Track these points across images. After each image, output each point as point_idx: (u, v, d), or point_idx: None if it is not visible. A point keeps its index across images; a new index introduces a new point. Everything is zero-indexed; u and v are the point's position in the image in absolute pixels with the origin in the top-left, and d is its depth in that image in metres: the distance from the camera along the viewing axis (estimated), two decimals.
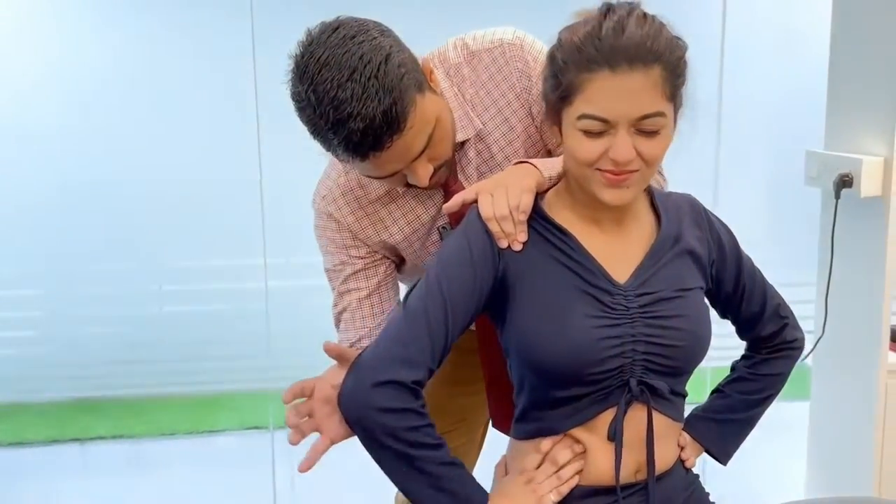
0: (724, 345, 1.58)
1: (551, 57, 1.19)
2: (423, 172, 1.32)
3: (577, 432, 1.23)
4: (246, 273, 2.90)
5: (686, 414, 1.39)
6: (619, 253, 1.25)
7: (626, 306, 1.21)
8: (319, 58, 1.24)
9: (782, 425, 2.85)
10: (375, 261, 1.52)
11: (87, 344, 3.21)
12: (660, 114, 1.14)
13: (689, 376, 1.30)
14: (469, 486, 1.23)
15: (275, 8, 2.71)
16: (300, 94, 1.26)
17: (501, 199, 1.23)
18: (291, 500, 2.85)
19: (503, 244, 1.23)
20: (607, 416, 1.22)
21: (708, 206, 1.39)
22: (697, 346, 1.25)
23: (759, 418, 1.47)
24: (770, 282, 1.43)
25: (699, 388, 1.69)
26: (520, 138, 1.47)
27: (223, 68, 2.79)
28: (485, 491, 1.25)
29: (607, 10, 1.16)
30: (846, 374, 2.34)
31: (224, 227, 2.88)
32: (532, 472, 1.25)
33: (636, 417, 1.22)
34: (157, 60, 2.79)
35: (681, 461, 1.35)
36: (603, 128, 1.14)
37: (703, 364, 1.29)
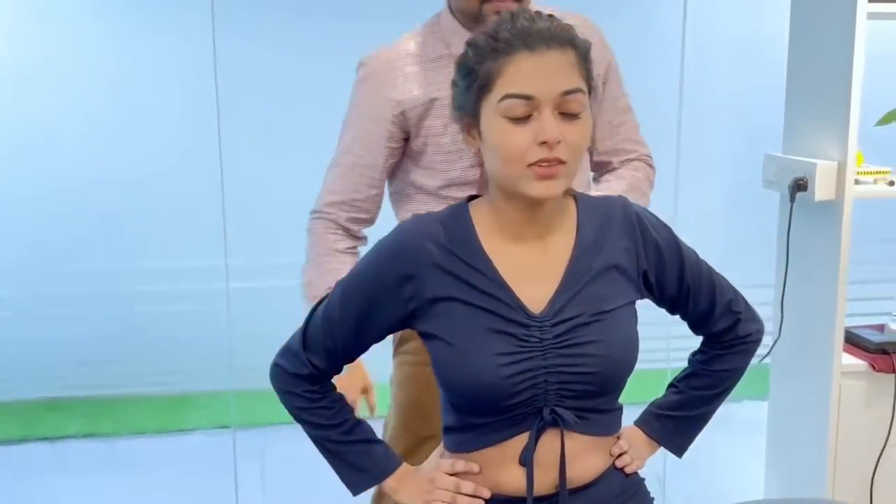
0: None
1: (462, 60, 1.20)
2: None
3: (491, 451, 1.27)
4: (210, 274, 2.91)
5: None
6: (540, 275, 1.25)
7: (539, 338, 1.22)
8: None
9: (746, 425, 2.89)
10: (387, 145, 1.69)
11: (58, 344, 3.21)
12: (580, 90, 1.17)
13: (619, 393, 1.31)
14: (368, 458, 1.34)
15: (235, 8, 2.72)
16: None
17: None
18: (258, 499, 2.86)
19: None
20: (522, 439, 1.25)
21: (668, 210, 1.40)
22: (614, 370, 1.25)
23: (714, 412, 1.47)
24: (729, 281, 1.42)
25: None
26: None
27: (183, 68, 2.80)
28: (392, 460, 1.35)
29: (518, 9, 1.21)
30: (802, 376, 2.36)
31: (187, 227, 2.89)
32: (439, 476, 1.30)
33: (551, 440, 1.25)
34: (121, 63, 2.80)
35: (616, 468, 1.35)
36: (527, 109, 1.14)
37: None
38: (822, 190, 2.16)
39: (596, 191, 1.76)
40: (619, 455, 1.36)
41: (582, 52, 1.19)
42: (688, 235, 1.97)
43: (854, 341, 2.34)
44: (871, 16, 2.09)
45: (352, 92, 1.74)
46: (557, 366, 1.22)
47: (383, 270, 1.25)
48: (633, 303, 1.32)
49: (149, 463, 3.17)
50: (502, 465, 1.27)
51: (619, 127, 1.80)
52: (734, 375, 1.44)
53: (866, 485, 2.27)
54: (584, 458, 1.29)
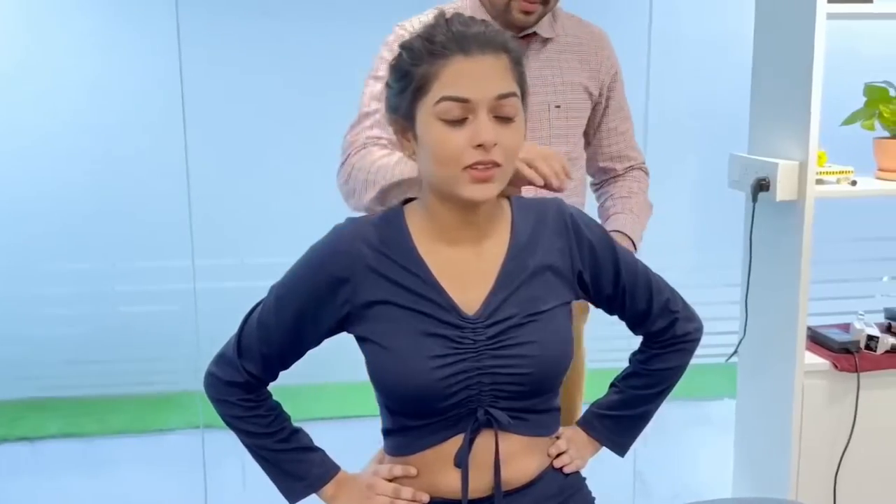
0: None
1: (397, 63, 1.21)
2: None
3: (429, 454, 1.28)
4: (178, 274, 2.93)
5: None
6: (475, 277, 1.26)
7: (473, 340, 1.23)
8: None
9: (717, 423, 2.90)
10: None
11: (37, 344, 3.23)
12: (514, 94, 1.19)
13: (555, 393, 1.32)
14: (305, 466, 1.34)
15: (199, 7, 2.73)
16: None
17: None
18: (231, 499, 2.87)
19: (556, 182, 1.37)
20: (458, 441, 1.26)
21: None
22: (548, 370, 1.26)
23: (655, 410, 1.49)
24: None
25: None
26: None
27: (149, 70, 2.81)
28: (330, 468, 1.36)
29: (445, 12, 1.22)
30: (767, 375, 2.37)
31: (154, 228, 2.91)
32: (378, 482, 1.31)
33: (487, 441, 1.26)
34: (89, 65, 2.81)
35: (555, 469, 1.36)
36: (463, 112, 1.16)
37: None
38: (783, 190, 2.16)
39: (616, 222, 1.85)
40: (558, 455, 1.37)
41: (514, 57, 1.21)
42: (658, 236, 2.00)
43: (819, 341, 2.35)
44: (831, 16, 2.09)
45: (381, 50, 1.75)
46: (491, 367, 1.23)
47: (318, 274, 1.25)
48: (569, 303, 1.33)
49: (129, 463, 3.18)
50: (439, 467, 1.28)
51: (624, 133, 1.91)
52: (673, 374, 1.45)
53: (829, 483, 2.27)
54: (521, 458, 1.30)
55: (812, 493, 2.27)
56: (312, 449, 1.37)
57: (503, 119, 1.18)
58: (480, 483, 1.27)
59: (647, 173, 1.96)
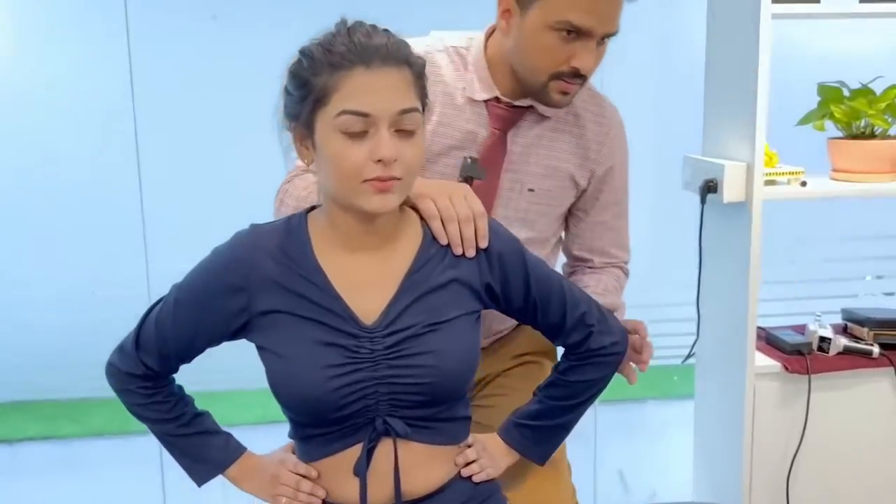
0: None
1: (293, 68, 1.19)
2: (591, 56, 1.48)
3: (329, 462, 1.28)
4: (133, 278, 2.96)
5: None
6: (376, 286, 1.25)
7: (370, 349, 1.22)
8: None
9: (681, 425, 2.89)
10: None
11: (16, 347, 3.27)
12: (416, 109, 1.18)
13: (461, 402, 1.32)
14: (208, 449, 1.37)
15: (149, 7, 2.75)
16: None
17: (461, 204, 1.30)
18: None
19: (458, 251, 1.29)
20: (358, 451, 1.26)
21: None
22: (446, 381, 1.25)
23: (575, 422, 1.47)
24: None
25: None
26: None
27: (97, 69, 2.82)
28: (233, 450, 1.38)
29: (348, 21, 1.20)
30: (720, 376, 2.37)
31: (107, 233, 2.94)
32: (283, 472, 1.33)
33: (387, 450, 1.25)
34: (37, 74, 2.82)
35: (464, 477, 1.35)
36: (364, 126, 1.15)
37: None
38: (730, 191, 2.16)
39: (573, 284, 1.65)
40: (467, 464, 1.36)
41: (416, 71, 1.20)
42: None
43: (772, 342, 2.34)
44: (776, 16, 2.09)
45: None
46: (388, 377, 1.22)
47: (215, 281, 1.25)
48: (475, 313, 1.31)
49: (108, 464, 3.21)
50: (340, 476, 1.28)
51: (614, 230, 1.73)
52: (590, 387, 1.44)
53: (782, 484, 2.27)
54: (424, 467, 1.29)
55: (765, 494, 2.27)
56: (215, 432, 1.38)
57: (404, 132, 1.18)
58: (381, 493, 1.27)
59: (627, 274, 1.77)
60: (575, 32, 1.45)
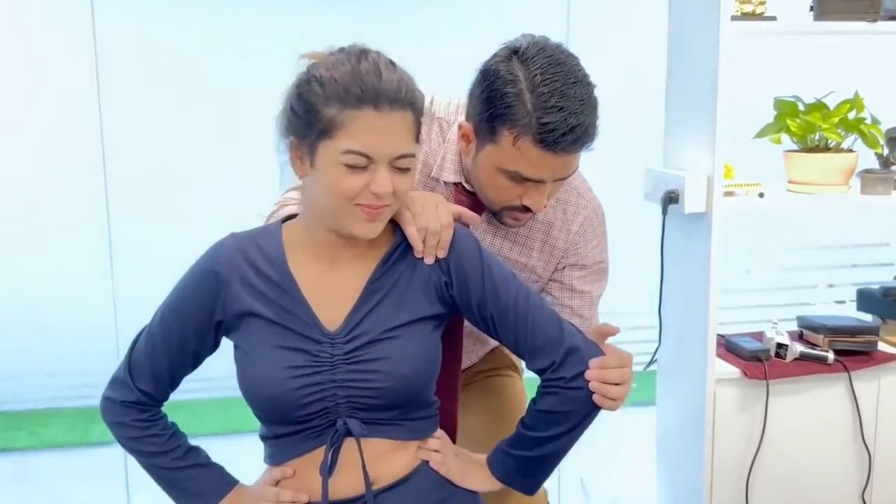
0: None
1: (304, 91, 1.22)
2: (542, 198, 1.46)
3: (299, 462, 1.33)
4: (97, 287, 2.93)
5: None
6: (343, 294, 1.31)
7: (331, 354, 1.28)
8: (550, 55, 1.40)
9: (641, 431, 2.94)
10: None
11: None
12: (412, 154, 1.25)
13: (425, 403, 1.35)
14: (201, 482, 1.40)
15: (116, 7, 2.74)
16: (515, 74, 1.39)
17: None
18: None
19: (419, 255, 1.33)
20: (323, 451, 1.30)
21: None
22: (402, 385, 1.29)
23: (560, 455, 1.41)
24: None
25: None
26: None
27: (64, 67, 2.79)
28: (226, 483, 1.42)
29: (360, 53, 1.23)
30: (681, 383, 2.42)
31: (72, 239, 2.91)
32: (265, 490, 1.36)
33: (353, 447, 1.30)
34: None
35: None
36: (365, 163, 1.21)
37: None
38: (691, 202, 2.21)
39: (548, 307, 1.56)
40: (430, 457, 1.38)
41: (417, 112, 1.26)
42: None
43: (731, 349, 2.40)
44: (737, 31, 2.15)
45: None
46: (346, 381, 1.28)
47: (196, 283, 1.32)
48: (436, 318, 1.34)
49: (65, 476, 3.16)
50: (310, 475, 1.32)
51: (579, 318, 1.65)
52: (558, 419, 1.35)
53: (741, 490, 2.32)
54: (390, 457, 1.34)
55: (725, 498, 2.32)
56: (208, 465, 1.43)
57: (400, 169, 1.24)
58: (350, 484, 1.31)
59: None
60: (526, 178, 1.43)
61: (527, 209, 1.49)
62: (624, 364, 1.34)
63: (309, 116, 1.22)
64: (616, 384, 1.32)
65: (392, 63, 1.25)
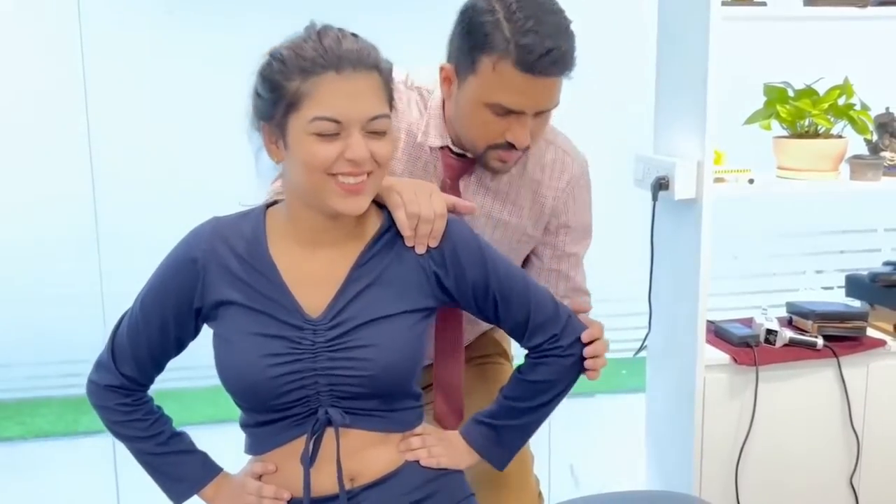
0: None
1: (265, 71, 1.21)
2: (525, 132, 1.46)
3: (280, 453, 1.31)
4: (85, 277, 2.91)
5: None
6: (326, 280, 1.28)
7: (312, 341, 1.25)
8: None
9: (631, 418, 2.95)
10: None
11: None
12: (386, 115, 1.22)
13: (409, 392, 1.33)
14: (185, 468, 1.39)
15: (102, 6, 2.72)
16: (492, 5, 1.41)
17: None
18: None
19: (410, 244, 1.31)
20: (304, 441, 1.28)
21: None
22: (386, 374, 1.26)
23: (536, 425, 1.47)
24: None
25: None
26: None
27: (49, 63, 2.77)
28: (210, 470, 1.41)
29: (321, 28, 1.22)
30: (671, 369, 2.42)
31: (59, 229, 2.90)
32: (248, 481, 1.35)
33: (333, 439, 1.27)
34: None
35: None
36: (336, 129, 1.18)
37: None
38: (681, 188, 2.21)
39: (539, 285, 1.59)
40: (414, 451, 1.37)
41: (385, 75, 1.23)
42: None
43: (721, 335, 2.41)
44: (727, 18, 2.14)
45: None
46: (327, 368, 1.25)
47: (176, 266, 1.30)
48: (425, 311, 1.33)
49: (55, 465, 3.15)
50: (291, 466, 1.30)
51: (566, 280, 1.71)
52: (548, 387, 1.42)
53: (731, 475, 2.33)
54: (372, 453, 1.31)
55: (714, 484, 2.33)
56: (192, 451, 1.42)
57: (375, 133, 1.21)
58: (329, 480, 1.29)
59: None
60: (508, 111, 1.45)
61: (511, 146, 1.49)
62: (601, 335, 1.43)
63: (274, 95, 1.20)
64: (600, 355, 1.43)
65: (354, 35, 1.23)
